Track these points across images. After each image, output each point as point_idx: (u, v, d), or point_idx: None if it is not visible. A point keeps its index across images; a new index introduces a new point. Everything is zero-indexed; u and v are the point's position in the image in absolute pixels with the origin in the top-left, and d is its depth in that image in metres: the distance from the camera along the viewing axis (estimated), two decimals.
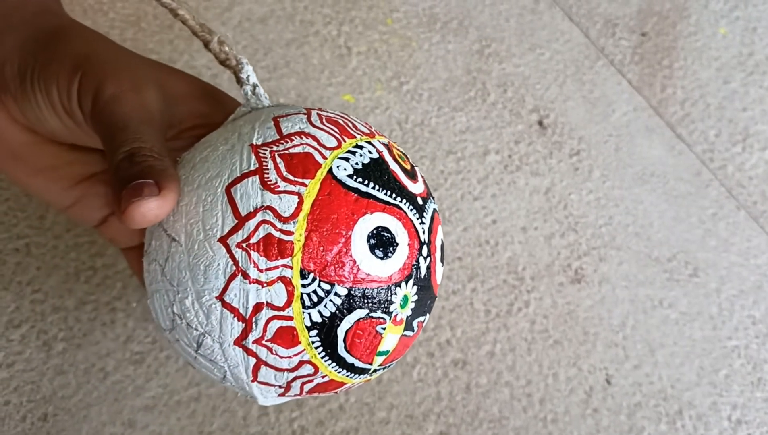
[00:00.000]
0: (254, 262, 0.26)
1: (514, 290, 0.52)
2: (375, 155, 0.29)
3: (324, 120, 0.30)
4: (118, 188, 0.25)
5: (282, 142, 0.28)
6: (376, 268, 0.27)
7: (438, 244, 0.32)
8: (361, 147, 0.29)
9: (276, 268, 0.26)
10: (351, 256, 0.27)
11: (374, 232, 0.28)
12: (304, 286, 0.26)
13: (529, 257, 0.54)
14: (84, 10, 0.56)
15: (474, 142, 0.58)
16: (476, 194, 0.55)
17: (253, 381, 0.29)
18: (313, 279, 0.26)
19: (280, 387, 0.29)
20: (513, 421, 0.47)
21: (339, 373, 0.29)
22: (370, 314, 0.28)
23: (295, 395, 0.30)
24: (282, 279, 0.26)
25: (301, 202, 0.26)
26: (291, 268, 0.26)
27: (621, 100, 0.63)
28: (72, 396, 0.43)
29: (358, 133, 0.30)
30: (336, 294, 0.27)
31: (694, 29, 0.69)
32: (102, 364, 0.44)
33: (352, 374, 0.30)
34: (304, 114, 0.30)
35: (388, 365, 0.31)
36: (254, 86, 0.32)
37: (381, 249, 0.28)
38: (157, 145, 0.28)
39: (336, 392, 0.31)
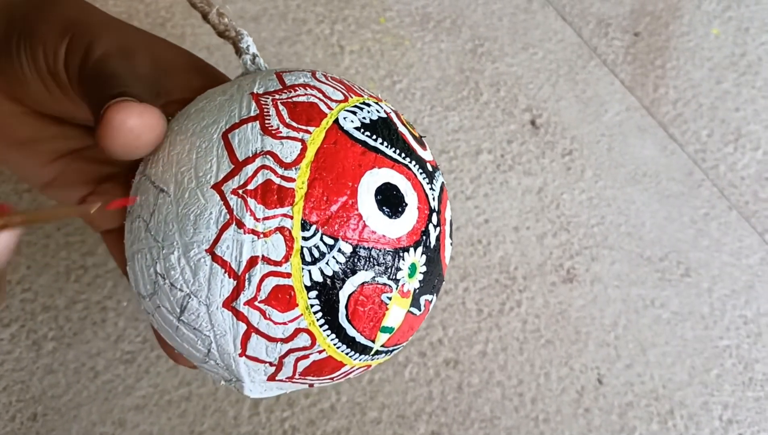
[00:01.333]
0: (251, 210, 0.24)
1: (506, 290, 0.52)
2: (383, 114, 0.28)
3: (329, 77, 0.28)
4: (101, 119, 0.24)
5: (285, 91, 0.26)
6: (383, 227, 0.25)
7: (447, 216, 0.30)
8: (368, 105, 0.27)
9: (275, 217, 0.24)
10: (357, 210, 0.25)
11: (383, 187, 0.25)
12: (305, 238, 0.24)
13: (522, 257, 0.54)
14: None
15: (466, 142, 0.58)
16: (468, 194, 0.55)
17: (241, 355, 0.26)
18: (315, 231, 0.24)
19: (270, 365, 0.26)
20: (505, 421, 0.47)
21: (338, 348, 0.26)
22: (376, 279, 0.25)
23: (286, 377, 0.27)
24: (281, 230, 0.24)
25: (304, 149, 0.24)
26: (291, 217, 0.24)
27: (614, 99, 0.63)
28: (62, 395, 0.43)
29: (366, 94, 0.29)
30: (339, 250, 0.24)
31: (686, 29, 0.69)
32: (92, 364, 0.44)
33: (353, 352, 0.27)
34: (309, 72, 0.28)
35: (391, 349, 0.29)
36: (254, 56, 0.30)
37: (389, 207, 0.25)
38: (146, 98, 0.26)
39: (332, 379, 0.28)
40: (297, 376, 0.27)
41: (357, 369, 0.29)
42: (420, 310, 0.29)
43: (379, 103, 0.29)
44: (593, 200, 0.57)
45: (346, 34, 0.61)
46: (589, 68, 0.65)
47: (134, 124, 0.24)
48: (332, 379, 0.29)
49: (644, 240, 0.57)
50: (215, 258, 0.24)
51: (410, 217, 0.26)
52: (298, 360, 0.26)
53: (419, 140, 0.29)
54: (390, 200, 0.26)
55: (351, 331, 0.26)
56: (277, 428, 0.44)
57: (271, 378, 0.27)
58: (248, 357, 0.26)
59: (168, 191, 0.25)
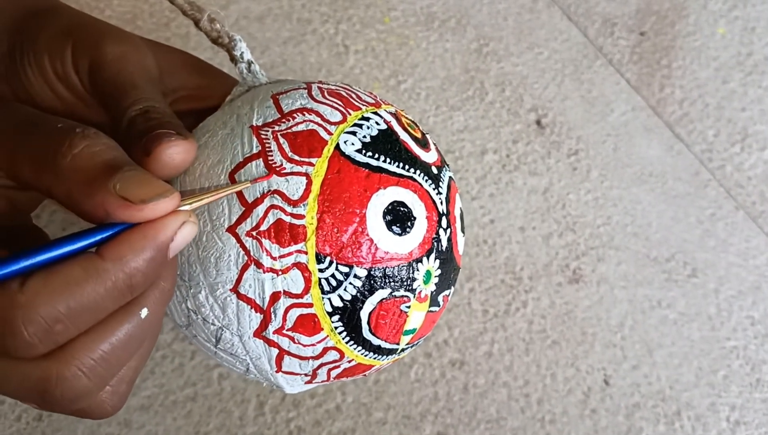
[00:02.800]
0: (266, 250, 0.25)
1: (512, 290, 0.52)
2: (383, 126, 0.28)
3: (326, 93, 0.28)
4: (137, 140, 0.25)
5: (284, 120, 0.27)
6: (395, 246, 0.26)
7: (457, 213, 0.30)
8: (367, 119, 0.28)
9: (290, 254, 0.25)
10: (367, 235, 0.26)
11: (390, 207, 0.26)
12: (321, 270, 0.25)
13: (527, 257, 0.53)
14: (80, 7, 0.55)
15: (472, 142, 0.58)
16: (474, 194, 0.55)
17: (277, 372, 0.28)
18: (330, 262, 0.25)
19: (306, 375, 0.28)
20: (511, 422, 0.47)
21: (366, 356, 0.28)
22: (393, 294, 0.26)
23: (322, 381, 0.29)
24: (297, 265, 0.25)
25: (309, 183, 0.25)
26: (306, 253, 0.25)
27: (619, 99, 0.63)
28: None
29: (363, 104, 0.29)
30: (355, 276, 0.25)
31: (692, 29, 0.69)
32: None
33: (380, 356, 0.29)
34: (304, 88, 0.28)
35: (416, 343, 0.30)
36: (249, 63, 0.31)
37: (398, 225, 0.26)
38: (167, 107, 0.27)
39: (365, 374, 0.30)
40: (332, 380, 0.29)
41: (387, 364, 0.30)
42: (439, 307, 0.30)
43: (378, 110, 0.29)
44: (599, 200, 0.57)
45: (351, 33, 0.60)
46: (594, 68, 0.64)
47: (180, 159, 0.25)
48: (365, 375, 0.30)
49: (651, 240, 0.56)
50: (240, 296, 0.25)
51: (420, 229, 0.27)
52: (330, 370, 0.28)
53: (422, 141, 0.30)
54: (398, 218, 0.27)
55: (376, 341, 0.27)
56: (282, 429, 0.44)
57: (309, 383, 0.29)
58: (284, 372, 0.28)
59: None
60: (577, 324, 0.51)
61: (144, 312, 0.23)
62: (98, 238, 0.22)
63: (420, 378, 0.47)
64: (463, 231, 0.31)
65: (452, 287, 0.31)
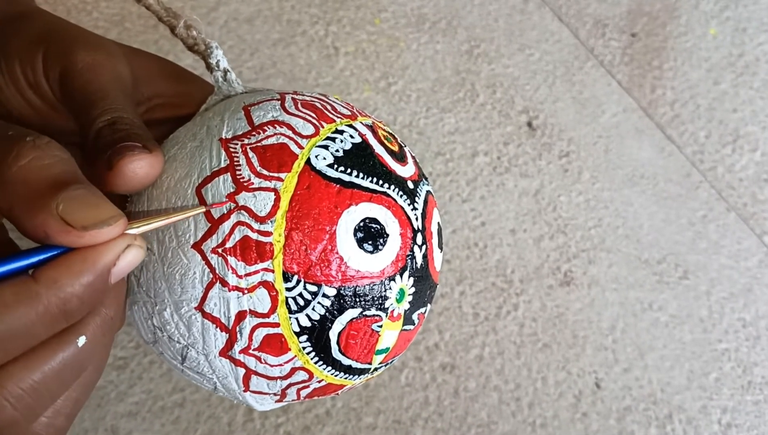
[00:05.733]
0: (232, 268, 0.24)
1: (502, 293, 0.52)
2: (357, 139, 0.27)
3: (299, 105, 0.28)
4: (102, 152, 0.24)
5: (254, 133, 0.26)
6: (366, 264, 0.25)
7: (434, 229, 0.29)
8: (341, 132, 0.27)
9: (256, 272, 0.24)
10: (337, 253, 0.25)
11: (361, 224, 0.25)
12: (288, 289, 0.24)
13: (518, 260, 0.53)
14: (68, 10, 0.55)
15: (463, 144, 0.57)
16: (465, 196, 0.55)
17: (245, 391, 0.27)
18: (298, 281, 0.24)
19: (275, 395, 0.27)
20: (502, 426, 0.47)
21: (336, 376, 0.27)
22: (364, 313, 0.26)
23: (292, 400, 0.28)
24: (264, 284, 0.24)
25: (278, 199, 0.24)
26: (272, 271, 0.24)
27: (611, 101, 0.63)
28: None
29: (338, 117, 0.28)
30: (324, 295, 0.25)
31: (684, 30, 0.68)
32: None
33: (351, 376, 0.28)
34: (278, 100, 0.28)
35: (390, 361, 0.29)
36: (225, 72, 0.30)
37: (370, 242, 0.25)
38: (137, 117, 0.26)
39: (337, 393, 0.29)
40: (303, 399, 0.28)
41: (360, 383, 0.29)
42: (414, 325, 0.29)
43: (354, 123, 0.28)
44: (590, 202, 0.57)
45: (341, 35, 0.60)
46: (585, 69, 0.64)
47: (144, 173, 0.24)
48: (337, 394, 0.29)
49: (642, 242, 0.56)
50: (205, 315, 0.25)
51: (393, 246, 0.26)
52: (299, 390, 0.27)
53: (399, 155, 0.29)
54: (370, 235, 0.26)
55: (346, 361, 0.27)
56: (272, 434, 0.44)
57: (279, 401, 0.28)
58: (252, 392, 0.27)
59: (152, 249, 0.25)
60: (568, 327, 0.51)
61: (82, 340, 0.22)
62: (41, 258, 0.21)
63: (410, 382, 0.47)
64: (441, 247, 0.30)
65: (428, 305, 0.30)
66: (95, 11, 0.56)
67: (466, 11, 0.64)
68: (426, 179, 0.30)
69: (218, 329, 0.25)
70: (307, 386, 0.27)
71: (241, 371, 0.26)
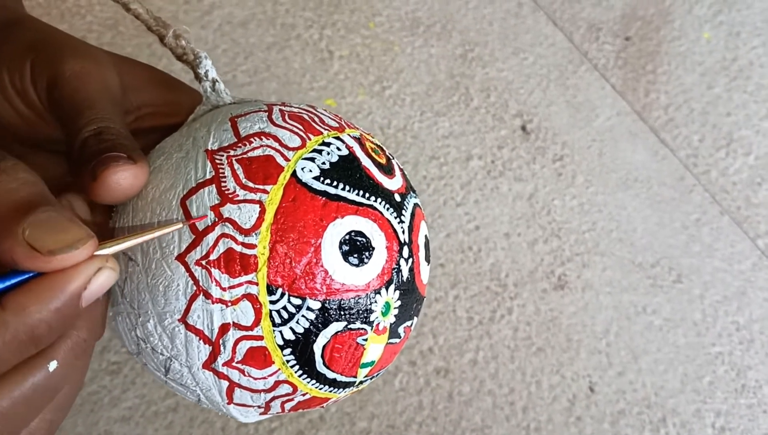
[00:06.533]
0: (216, 281, 0.24)
1: (497, 297, 0.52)
2: (344, 152, 0.27)
3: (287, 117, 0.28)
4: (86, 162, 0.24)
5: (240, 145, 0.26)
6: (351, 277, 0.25)
7: (421, 242, 0.29)
8: (328, 144, 0.27)
9: (240, 285, 0.24)
10: (322, 266, 0.25)
11: (347, 237, 0.25)
12: (272, 302, 0.24)
13: (512, 264, 0.53)
14: (62, 13, 0.55)
15: (457, 148, 0.57)
16: (459, 200, 0.55)
17: (229, 404, 0.27)
18: (282, 294, 0.24)
19: (259, 407, 0.27)
20: (496, 430, 0.47)
21: (321, 389, 0.27)
22: (349, 326, 0.25)
23: (277, 413, 0.28)
24: (248, 296, 0.24)
25: (263, 211, 0.24)
26: (256, 284, 0.24)
27: (604, 104, 0.63)
28: None
29: (326, 129, 0.28)
30: (308, 308, 0.25)
31: (677, 34, 0.69)
32: None
33: (336, 389, 0.28)
34: (265, 111, 0.28)
35: (375, 374, 0.29)
36: (214, 82, 0.30)
37: (355, 255, 0.25)
38: (124, 127, 0.26)
39: (323, 406, 0.29)
40: (287, 411, 0.28)
41: (345, 396, 0.29)
42: (400, 338, 0.29)
43: (341, 135, 0.28)
44: (584, 206, 0.57)
45: (336, 39, 0.60)
46: (579, 73, 0.64)
47: (128, 184, 0.24)
48: (322, 407, 0.29)
49: (636, 246, 0.56)
50: (188, 327, 0.25)
51: (379, 259, 0.26)
52: (284, 403, 0.27)
53: (386, 167, 0.29)
54: (356, 248, 0.26)
55: (330, 374, 0.27)
56: None
57: (263, 414, 0.28)
58: (236, 404, 0.27)
59: (136, 260, 0.25)
60: (562, 331, 0.51)
61: (53, 365, 0.21)
62: (11, 283, 0.20)
63: (404, 387, 0.47)
64: (428, 260, 0.30)
65: (415, 318, 0.30)
66: (89, 15, 0.56)
67: (460, 15, 0.65)
68: (414, 192, 0.30)
69: (201, 342, 0.25)
70: (292, 399, 0.27)
71: (225, 384, 0.26)
